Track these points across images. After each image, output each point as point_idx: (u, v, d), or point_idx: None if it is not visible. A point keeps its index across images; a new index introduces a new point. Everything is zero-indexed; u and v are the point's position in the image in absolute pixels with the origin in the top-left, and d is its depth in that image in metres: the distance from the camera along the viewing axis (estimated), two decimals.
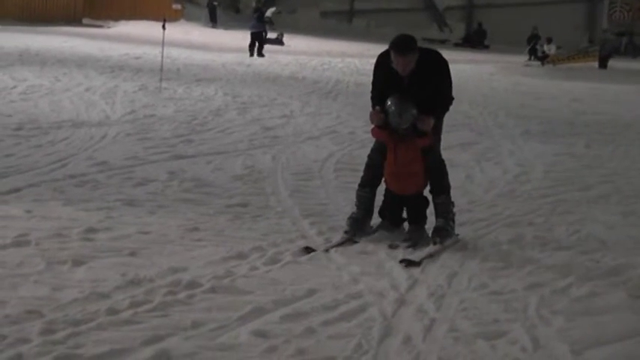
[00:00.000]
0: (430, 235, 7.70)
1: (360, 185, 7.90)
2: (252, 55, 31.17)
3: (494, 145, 14.01)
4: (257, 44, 31.61)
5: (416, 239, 7.65)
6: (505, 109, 19.16)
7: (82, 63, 22.78)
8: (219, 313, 5.76)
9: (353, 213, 7.87)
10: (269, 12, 39.54)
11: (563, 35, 43.91)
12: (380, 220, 8.02)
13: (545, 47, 39.52)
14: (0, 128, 12.29)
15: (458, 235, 7.89)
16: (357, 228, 7.75)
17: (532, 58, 39.47)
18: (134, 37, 34.55)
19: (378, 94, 7.73)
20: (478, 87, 24.77)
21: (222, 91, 18.93)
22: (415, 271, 6.91)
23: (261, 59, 29.90)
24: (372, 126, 7.77)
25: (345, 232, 7.67)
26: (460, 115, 17.54)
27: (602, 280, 7.01)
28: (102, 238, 7.29)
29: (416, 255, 7.24)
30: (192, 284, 6.22)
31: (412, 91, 7.50)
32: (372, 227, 7.89)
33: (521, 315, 6.07)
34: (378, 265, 7.01)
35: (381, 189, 7.97)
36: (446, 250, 7.49)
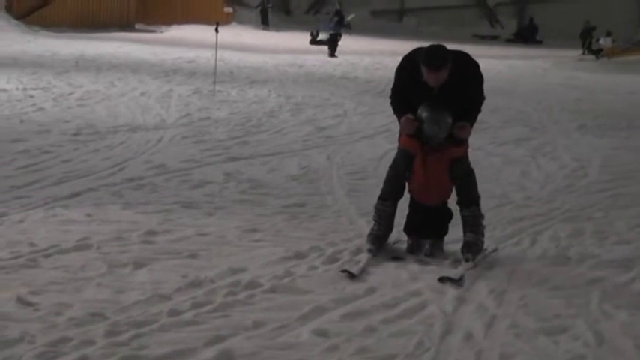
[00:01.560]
0: (461, 249, 7.07)
1: (380, 199, 7.24)
2: (332, 55, 32.07)
3: (550, 140, 13.90)
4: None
5: (437, 254, 7.15)
6: (560, 104, 19.00)
7: (136, 68, 23.00)
8: (280, 312, 5.79)
9: (373, 229, 7.24)
10: (350, 17, 39.83)
11: (616, 29, 43.38)
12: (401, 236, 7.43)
13: (602, 40, 39.08)
14: (59, 134, 12.46)
15: (486, 249, 7.25)
16: (380, 245, 7.17)
17: (586, 52, 39.07)
18: (186, 41, 34.79)
19: (401, 101, 7.11)
20: (531, 82, 24.59)
21: (276, 93, 19.01)
22: (474, 268, 6.86)
23: (314, 60, 29.95)
24: (401, 135, 7.19)
25: (369, 251, 7.05)
26: (514, 111, 17.46)
27: None
28: (161, 241, 7.36)
29: (453, 272, 6.64)
30: (251, 284, 6.26)
31: (443, 100, 6.91)
32: (389, 244, 7.32)
33: (583, 310, 6.03)
34: (437, 263, 6.98)
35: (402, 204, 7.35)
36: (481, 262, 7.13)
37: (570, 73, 28.87)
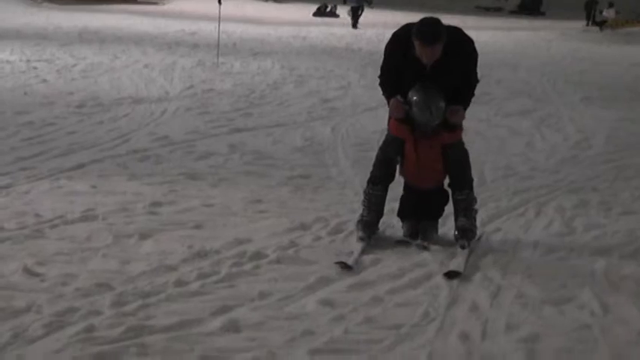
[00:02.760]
0: (454, 236, 6.69)
1: (370, 182, 6.80)
2: (354, 27, 33.04)
3: (554, 112, 13.87)
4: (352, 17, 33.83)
5: (430, 236, 6.79)
6: (564, 76, 18.96)
7: (139, 40, 22.95)
8: (286, 283, 5.79)
9: (363, 215, 6.80)
10: None
11: (621, 0, 43.22)
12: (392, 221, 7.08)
13: (605, 12, 38.94)
14: (63, 106, 12.45)
15: (481, 234, 6.99)
16: (371, 232, 6.75)
17: (590, 23, 38.94)
18: (188, 14, 34.74)
19: (392, 81, 6.56)
20: (536, 54, 24.53)
21: (279, 65, 18.96)
22: (479, 239, 6.87)
23: (318, 32, 29.87)
24: (390, 119, 6.69)
25: (361, 239, 6.65)
26: (519, 83, 17.42)
27: None
28: (167, 212, 7.37)
29: (455, 265, 6.22)
30: (257, 255, 6.27)
31: (435, 79, 6.39)
32: (379, 229, 6.87)
33: (589, 280, 6.04)
34: (442, 234, 6.98)
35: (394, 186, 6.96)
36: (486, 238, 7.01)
37: (574, 44, 28.79)
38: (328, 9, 39.55)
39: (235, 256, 6.22)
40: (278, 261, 6.22)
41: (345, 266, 6.10)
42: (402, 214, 6.99)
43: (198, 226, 6.97)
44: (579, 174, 9.46)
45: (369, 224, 6.76)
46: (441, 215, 6.95)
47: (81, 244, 6.41)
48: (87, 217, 7.05)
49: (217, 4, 19.18)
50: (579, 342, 5.10)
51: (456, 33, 6.47)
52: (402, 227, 6.94)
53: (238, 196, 7.94)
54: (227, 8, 25.31)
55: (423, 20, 6.35)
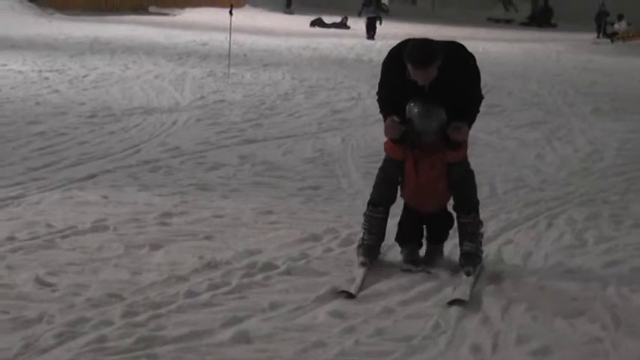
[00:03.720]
0: (459, 261, 6.36)
1: (371, 204, 6.46)
2: (370, 38, 32.56)
3: (565, 124, 13.85)
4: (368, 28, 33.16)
5: (435, 262, 6.46)
6: (575, 87, 18.92)
7: (150, 51, 23.00)
8: (296, 294, 5.80)
9: (364, 239, 6.45)
10: None
11: (632, 12, 43.15)
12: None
13: (616, 24, 38.91)
14: (74, 116, 12.49)
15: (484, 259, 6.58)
16: (373, 256, 6.41)
17: (601, 35, 38.91)
18: (200, 24, 34.79)
19: (389, 98, 6.34)
20: (546, 66, 24.49)
21: (290, 75, 18.98)
22: (490, 251, 6.86)
23: (328, 43, 29.91)
24: (386, 140, 6.45)
25: (363, 264, 6.28)
26: (529, 94, 17.40)
27: None
28: (177, 223, 7.38)
29: (460, 293, 5.87)
30: (268, 266, 6.27)
31: (434, 97, 6.12)
32: (380, 252, 6.53)
33: (600, 293, 6.02)
34: (453, 246, 6.97)
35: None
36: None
37: (585, 56, 28.74)
38: (340, 20, 39.58)
39: (246, 267, 6.22)
40: (289, 272, 6.22)
41: (348, 295, 5.79)
42: (401, 238, 6.59)
43: (208, 237, 6.98)
44: (590, 186, 9.44)
45: (371, 248, 6.42)
46: (445, 239, 6.61)
47: (92, 254, 6.43)
48: (98, 227, 7.07)
49: (228, 14, 19.22)
50: (590, 355, 5.09)
51: (456, 50, 6.23)
52: (401, 253, 6.53)
53: (249, 207, 7.95)
54: (238, 19, 25.34)
55: (414, 43, 6.11)
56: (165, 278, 5.94)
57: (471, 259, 6.30)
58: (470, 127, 6.25)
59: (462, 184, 6.33)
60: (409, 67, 6.02)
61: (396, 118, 6.21)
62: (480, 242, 6.43)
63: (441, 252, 6.61)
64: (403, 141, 6.23)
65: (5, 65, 18.14)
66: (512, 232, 7.49)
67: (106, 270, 6.09)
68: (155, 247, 6.64)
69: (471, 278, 6.14)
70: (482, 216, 7.58)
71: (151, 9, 43.18)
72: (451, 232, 6.61)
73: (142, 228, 7.15)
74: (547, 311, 5.67)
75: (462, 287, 5.96)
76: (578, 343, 5.23)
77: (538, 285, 6.16)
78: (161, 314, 5.33)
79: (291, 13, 45.28)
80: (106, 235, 6.92)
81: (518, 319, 5.54)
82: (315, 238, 7.06)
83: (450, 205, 6.52)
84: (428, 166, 6.24)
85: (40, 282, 5.75)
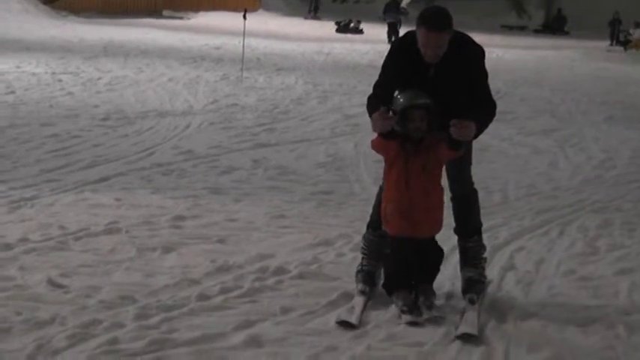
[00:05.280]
0: (462, 289, 5.89)
1: (370, 227, 5.99)
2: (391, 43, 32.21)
3: (578, 131, 13.83)
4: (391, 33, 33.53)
5: (433, 303, 5.64)
6: (588, 95, 18.90)
7: (163, 54, 23.07)
8: (308, 298, 5.80)
9: (362, 265, 5.99)
10: (404, 2, 40.02)
11: None
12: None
13: (631, 31, 38.81)
14: (88, 118, 12.53)
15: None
16: (373, 283, 5.90)
17: (614, 43, 38.82)
18: (213, 28, 34.90)
19: (383, 96, 5.68)
20: (559, 73, 24.47)
21: (303, 80, 19.01)
22: (501, 258, 6.85)
23: (341, 48, 29.93)
24: (374, 137, 5.74)
25: (362, 292, 5.79)
26: (542, 102, 17.37)
27: None
28: (190, 226, 7.39)
29: (469, 326, 5.37)
30: (280, 270, 6.27)
31: (439, 83, 5.57)
32: (381, 278, 5.94)
33: (612, 301, 6.01)
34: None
35: None
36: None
37: (599, 64, 28.70)
38: (352, 25, 39.58)
39: (258, 271, 6.23)
40: (301, 276, 6.22)
41: (348, 325, 5.36)
42: (390, 285, 5.75)
43: (221, 241, 6.99)
44: (603, 194, 9.42)
45: (370, 275, 5.93)
46: (436, 273, 5.83)
47: (105, 256, 6.44)
48: (111, 229, 7.09)
49: (242, 19, 19.27)
50: None
51: (466, 37, 5.72)
52: (395, 303, 5.64)
53: (261, 211, 7.96)
54: (251, 23, 25.42)
55: (428, 7, 5.73)
56: (178, 281, 5.94)
57: (475, 285, 5.86)
58: (479, 132, 5.59)
59: (464, 202, 5.91)
60: (421, 32, 5.49)
61: (384, 109, 5.53)
62: (483, 267, 6.00)
63: (434, 291, 5.76)
64: (393, 138, 5.58)
65: (19, 67, 18.24)
66: (524, 239, 7.48)
67: (119, 272, 6.11)
68: (167, 249, 6.65)
69: (476, 306, 5.69)
70: (493, 222, 7.66)
71: (165, 12, 43.33)
72: (451, 232, 6.16)
73: (154, 231, 7.16)
74: (559, 319, 5.65)
75: (468, 319, 5.49)
76: (591, 351, 5.21)
77: (550, 292, 6.15)
78: (173, 317, 5.34)
79: (318, 18, 45.23)
80: (118, 237, 6.93)
81: (530, 326, 5.52)
82: (328, 242, 7.07)
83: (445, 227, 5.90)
84: (418, 167, 5.55)
85: (53, 283, 5.76)
